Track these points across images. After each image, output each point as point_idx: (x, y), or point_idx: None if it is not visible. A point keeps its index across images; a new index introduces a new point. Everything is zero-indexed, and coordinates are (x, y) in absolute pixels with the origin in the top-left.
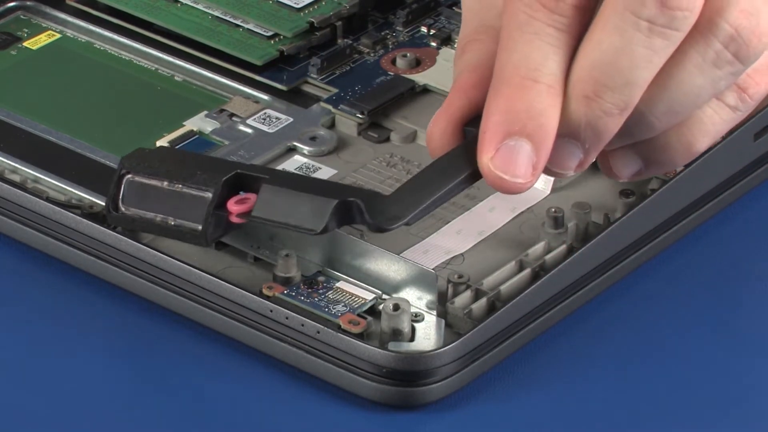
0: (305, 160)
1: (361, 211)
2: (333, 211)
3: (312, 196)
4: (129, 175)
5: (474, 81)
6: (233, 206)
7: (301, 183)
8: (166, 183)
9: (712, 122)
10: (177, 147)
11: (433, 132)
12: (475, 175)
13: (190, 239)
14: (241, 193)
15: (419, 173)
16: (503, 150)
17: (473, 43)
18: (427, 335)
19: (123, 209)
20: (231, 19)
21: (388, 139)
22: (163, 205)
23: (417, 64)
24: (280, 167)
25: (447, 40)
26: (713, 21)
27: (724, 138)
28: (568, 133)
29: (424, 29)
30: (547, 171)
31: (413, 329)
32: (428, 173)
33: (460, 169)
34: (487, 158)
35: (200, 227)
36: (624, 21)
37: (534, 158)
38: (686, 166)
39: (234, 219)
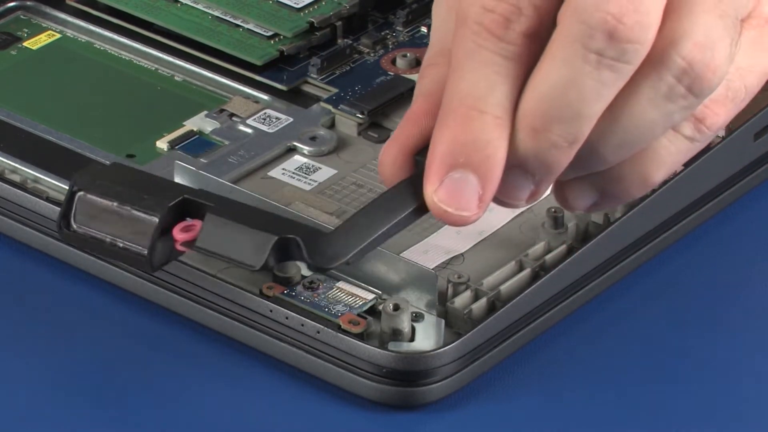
0: (305, 160)
1: (300, 249)
2: (272, 247)
3: (253, 231)
4: (81, 193)
5: (427, 108)
6: (179, 234)
7: (245, 215)
8: (115, 204)
9: (668, 153)
10: (176, 147)
11: (383, 161)
12: (423, 208)
13: (136, 264)
14: (187, 219)
15: (364, 208)
16: (448, 182)
17: (430, 68)
18: (427, 335)
19: (75, 227)
20: (231, 19)
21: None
22: (113, 226)
23: (417, 64)
24: (280, 167)
25: None
26: (666, 54)
27: (723, 138)
28: (517, 164)
29: (424, 29)
30: (498, 201)
31: (413, 329)
32: (373, 209)
33: (405, 204)
34: (431, 190)
35: (146, 252)
36: (573, 53)
37: (480, 191)
38: (686, 165)
39: (179, 247)
